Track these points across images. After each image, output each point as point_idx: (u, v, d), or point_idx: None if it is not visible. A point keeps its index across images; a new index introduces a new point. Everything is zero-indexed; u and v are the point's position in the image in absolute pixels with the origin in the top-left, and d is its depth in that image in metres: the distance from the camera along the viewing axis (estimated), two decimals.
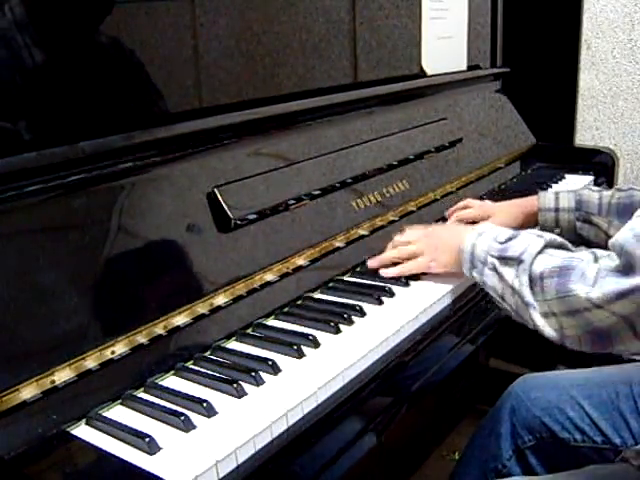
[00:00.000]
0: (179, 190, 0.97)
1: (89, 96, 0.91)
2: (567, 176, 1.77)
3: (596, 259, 0.84)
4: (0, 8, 0.82)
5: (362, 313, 0.98)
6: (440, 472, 1.76)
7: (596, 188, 1.28)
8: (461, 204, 1.37)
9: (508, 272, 0.91)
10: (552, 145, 1.94)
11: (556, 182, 1.71)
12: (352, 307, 0.98)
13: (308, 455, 0.75)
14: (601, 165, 1.84)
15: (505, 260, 0.92)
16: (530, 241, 0.91)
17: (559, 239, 0.93)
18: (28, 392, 0.71)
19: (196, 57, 1.05)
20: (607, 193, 1.24)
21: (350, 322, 0.95)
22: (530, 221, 1.30)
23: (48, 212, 0.82)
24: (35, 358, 0.73)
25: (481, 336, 1.10)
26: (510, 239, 0.94)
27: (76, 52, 0.90)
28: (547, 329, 0.86)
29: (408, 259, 1.09)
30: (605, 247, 1.22)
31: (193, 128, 1.01)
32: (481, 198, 1.55)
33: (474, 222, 1.29)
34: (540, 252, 0.89)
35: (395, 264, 1.10)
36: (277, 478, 0.73)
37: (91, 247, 0.84)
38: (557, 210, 1.26)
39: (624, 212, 1.19)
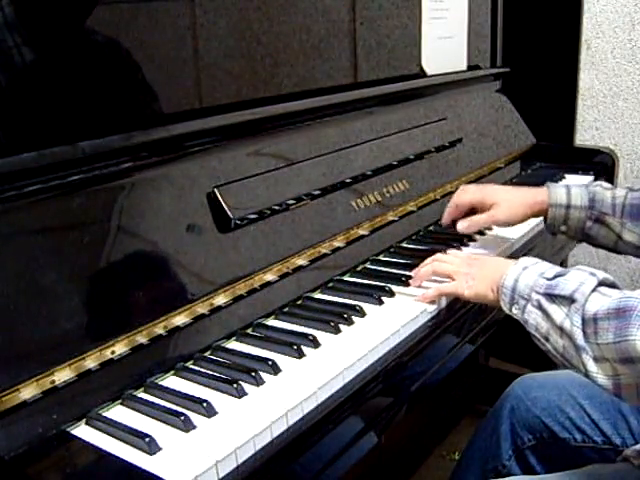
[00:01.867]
0: (179, 190, 0.97)
1: (89, 96, 0.91)
2: (567, 176, 1.77)
3: None
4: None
5: (362, 313, 0.98)
6: (440, 472, 1.77)
7: (607, 185, 1.21)
8: (457, 191, 1.26)
9: (556, 311, 0.84)
10: (552, 145, 1.94)
11: (556, 182, 1.71)
12: (352, 307, 0.98)
13: (308, 455, 0.75)
14: (601, 165, 1.84)
15: (553, 298, 0.85)
16: (583, 279, 0.84)
17: (611, 278, 0.86)
18: (28, 392, 0.71)
19: (196, 57, 1.05)
20: (620, 193, 1.18)
21: (350, 322, 0.95)
22: (535, 216, 1.23)
23: (48, 212, 0.82)
24: (35, 358, 0.73)
25: (481, 336, 1.10)
26: (559, 275, 0.87)
27: (77, 52, 0.90)
28: (600, 377, 0.79)
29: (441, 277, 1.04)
30: (613, 249, 1.20)
31: (193, 128, 1.01)
32: None
33: (473, 211, 1.22)
34: (593, 291, 0.82)
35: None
36: (277, 478, 0.73)
37: (91, 247, 0.84)
38: (569, 207, 1.18)
39: (638, 214, 1.15)
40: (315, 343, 0.89)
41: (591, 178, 1.76)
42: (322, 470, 0.76)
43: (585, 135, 2.11)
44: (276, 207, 1.07)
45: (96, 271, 0.84)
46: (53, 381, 0.73)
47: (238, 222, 1.00)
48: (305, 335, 0.90)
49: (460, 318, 1.04)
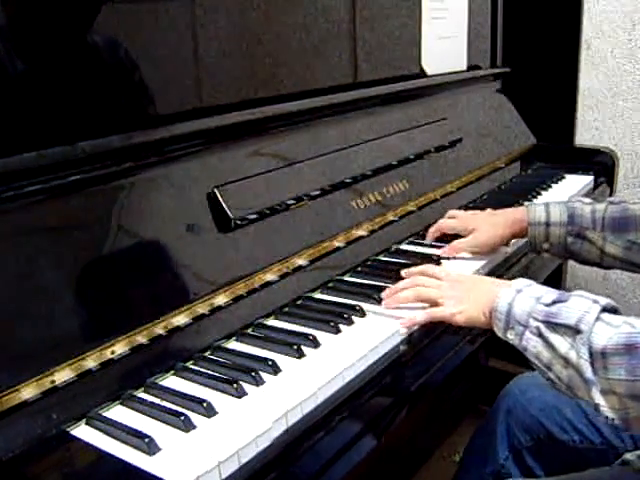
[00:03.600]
0: (179, 190, 0.97)
1: (89, 96, 0.91)
2: (567, 176, 1.77)
3: None
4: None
5: (362, 313, 0.97)
6: (441, 473, 1.77)
7: (587, 200, 1.21)
8: (445, 216, 1.28)
9: (560, 341, 0.81)
10: (552, 145, 1.94)
11: (556, 182, 1.71)
12: (352, 307, 0.98)
13: (308, 455, 0.75)
14: (601, 165, 1.84)
15: (554, 326, 0.82)
16: (586, 307, 0.81)
17: (612, 302, 0.83)
18: (28, 392, 0.71)
19: (196, 57, 1.05)
20: (600, 207, 1.17)
21: (350, 322, 0.95)
22: (516, 235, 1.22)
23: (48, 212, 0.82)
24: (35, 358, 0.73)
25: (481, 336, 1.10)
26: (558, 302, 0.84)
27: (77, 52, 0.90)
28: (607, 410, 0.77)
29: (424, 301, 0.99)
30: (599, 264, 1.18)
31: (193, 128, 1.01)
32: (472, 203, 1.54)
33: (456, 236, 1.23)
34: (597, 319, 0.80)
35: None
36: (277, 478, 0.72)
37: (91, 247, 0.84)
38: (548, 224, 1.17)
39: (619, 227, 1.14)
40: (315, 343, 0.89)
41: (591, 178, 1.76)
42: (322, 470, 0.76)
43: (585, 135, 2.11)
44: (276, 207, 1.07)
45: (96, 271, 0.84)
46: (53, 381, 0.73)
47: (238, 222, 1.00)
48: (305, 335, 0.90)
49: None
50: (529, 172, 1.83)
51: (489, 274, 1.17)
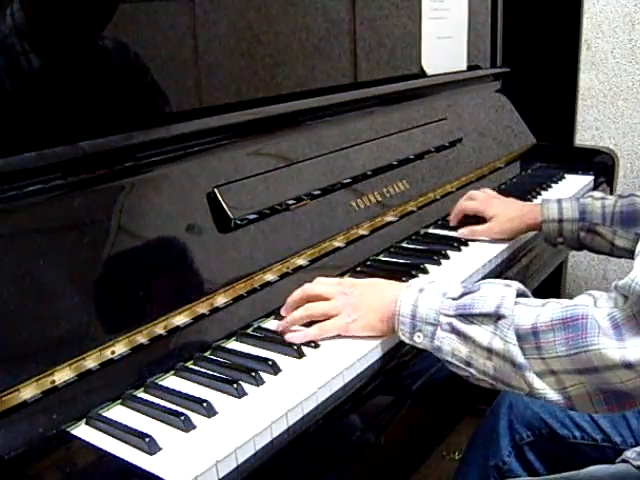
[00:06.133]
0: (179, 190, 0.97)
1: (89, 96, 0.91)
2: (567, 176, 1.77)
3: (595, 301, 0.74)
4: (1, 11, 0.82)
5: None
6: (440, 472, 1.77)
7: (598, 194, 1.27)
8: (465, 196, 1.35)
9: (479, 332, 0.77)
10: (552, 145, 1.94)
11: (556, 182, 1.72)
12: None
13: (308, 455, 0.75)
14: (601, 165, 1.84)
15: (470, 318, 0.79)
16: (501, 292, 0.79)
17: (521, 286, 0.82)
18: (28, 392, 0.71)
19: (196, 57, 1.05)
20: (609, 202, 1.23)
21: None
22: (531, 229, 1.29)
23: (48, 212, 0.82)
24: (35, 358, 0.73)
25: None
26: (468, 293, 0.81)
27: (76, 52, 0.90)
28: (548, 392, 0.75)
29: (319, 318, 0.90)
30: (610, 254, 1.24)
31: (193, 128, 1.01)
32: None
33: (475, 217, 1.31)
34: (516, 303, 0.77)
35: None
36: (277, 478, 0.73)
37: (91, 247, 0.84)
38: (561, 221, 1.24)
39: (628, 220, 1.20)
40: (315, 343, 0.89)
41: (591, 178, 1.76)
42: (322, 470, 0.76)
43: (585, 135, 2.12)
44: (276, 207, 1.07)
45: (96, 271, 0.84)
46: (53, 381, 0.73)
47: (238, 222, 1.00)
48: None
49: None
50: (529, 172, 1.83)
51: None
